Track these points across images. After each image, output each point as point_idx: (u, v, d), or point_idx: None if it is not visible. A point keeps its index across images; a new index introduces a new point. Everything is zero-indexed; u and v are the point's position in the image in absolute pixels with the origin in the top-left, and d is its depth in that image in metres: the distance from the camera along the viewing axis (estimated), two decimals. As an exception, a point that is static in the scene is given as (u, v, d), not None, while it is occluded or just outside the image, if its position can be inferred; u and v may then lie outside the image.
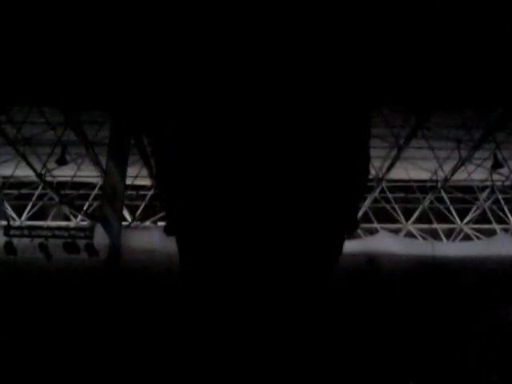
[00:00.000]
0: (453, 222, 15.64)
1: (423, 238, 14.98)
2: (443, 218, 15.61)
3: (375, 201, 15.03)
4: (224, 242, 0.58)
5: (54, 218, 15.37)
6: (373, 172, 13.69)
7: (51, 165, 13.00)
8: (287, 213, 0.56)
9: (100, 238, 11.82)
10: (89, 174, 14.30)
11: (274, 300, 0.59)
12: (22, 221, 15.19)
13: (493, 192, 15.46)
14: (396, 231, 14.99)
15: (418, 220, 15.48)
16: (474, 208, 15.62)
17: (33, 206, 15.42)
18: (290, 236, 0.57)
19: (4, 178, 14.71)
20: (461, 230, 15.56)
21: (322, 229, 0.60)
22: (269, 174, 0.56)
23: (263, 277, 0.58)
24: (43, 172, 13.27)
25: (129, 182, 13.39)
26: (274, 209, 0.56)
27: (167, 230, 0.68)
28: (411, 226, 15.44)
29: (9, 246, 11.98)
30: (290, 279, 0.58)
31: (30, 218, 15.32)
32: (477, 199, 15.55)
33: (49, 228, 12.87)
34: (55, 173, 13.94)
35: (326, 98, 0.59)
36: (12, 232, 12.21)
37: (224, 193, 0.57)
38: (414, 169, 14.09)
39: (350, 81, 0.61)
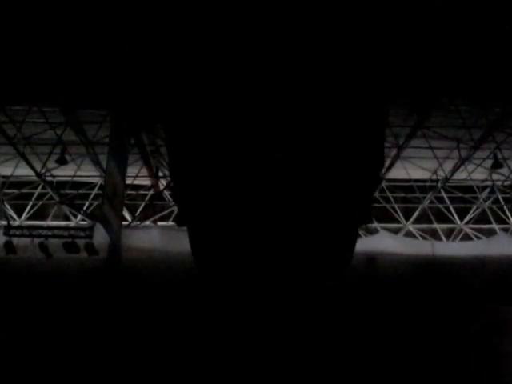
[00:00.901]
0: (453, 222, 15.64)
1: (423, 238, 14.99)
2: (443, 218, 15.61)
3: (375, 200, 15.02)
4: (234, 233, 0.58)
5: (54, 218, 15.37)
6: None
7: (51, 164, 13.00)
8: (298, 205, 0.56)
9: (100, 237, 11.82)
10: (89, 173, 14.29)
11: (281, 294, 0.59)
12: (21, 220, 15.19)
13: (493, 192, 15.45)
14: (396, 231, 14.99)
15: (418, 220, 15.48)
16: (474, 208, 15.62)
17: (33, 206, 15.42)
18: (301, 228, 0.57)
19: (4, 177, 14.70)
20: (461, 230, 15.56)
21: (336, 223, 0.60)
22: (281, 168, 0.56)
23: (273, 272, 0.58)
24: (43, 172, 13.26)
25: (129, 181, 13.39)
26: (286, 202, 0.56)
27: (178, 221, 0.68)
28: (411, 226, 15.44)
29: (9, 246, 11.98)
30: (300, 273, 0.58)
31: (29, 218, 15.32)
32: (477, 199, 15.55)
33: (49, 227, 12.87)
34: (55, 172, 13.93)
35: (335, 96, 0.59)
36: (12, 231, 12.22)
37: (235, 185, 0.57)
38: (413, 168, 14.09)
39: (361, 78, 0.61)
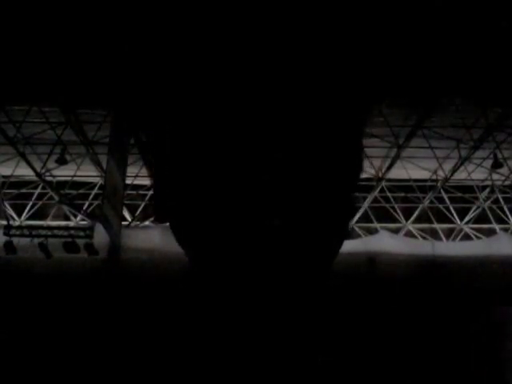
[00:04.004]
0: (453, 222, 15.64)
1: (423, 238, 14.98)
2: (443, 218, 15.60)
3: (375, 200, 15.03)
4: (217, 230, 0.58)
5: (54, 218, 15.37)
6: (373, 172, 13.69)
7: (51, 164, 13.00)
8: (288, 203, 0.56)
9: (100, 237, 11.82)
10: (89, 173, 14.29)
11: (273, 294, 0.58)
12: (21, 220, 15.19)
13: (492, 191, 15.45)
14: (396, 231, 14.98)
15: (418, 220, 15.48)
16: (474, 208, 15.61)
17: (33, 206, 15.42)
18: (287, 226, 0.57)
19: (4, 177, 14.71)
20: (461, 230, 15.56)
21: (325, 219, 0.59)
22: (265, 168, 0.56)
23: (261, 270, 0.58)
24: (43, 171, 13.26)
25: (129, 181, 13.39)
26: (275, 200, 0.56)
27: (157, 217, 0.68)
28: (411, 226, 15.43)
29: (9, 246, 11.98)
30: (290, 272, 0.58)
31: (29, 218, 15.32)
32: (477, 199, 15.54)
33: (49, 227, 12.87)
34: (55, 172, 13.93)
35: (324, 97, 0.59)
36: (12, 231, 12.21)
37: (218, 183, 0.57)
38: (413, 168, 14.08)
39: (347, 79, 0.61)
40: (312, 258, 0.60)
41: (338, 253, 0.65)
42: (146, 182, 14.76)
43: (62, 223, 14.99)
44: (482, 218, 15.64)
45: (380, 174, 13.80)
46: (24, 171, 13.67)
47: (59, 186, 14.55)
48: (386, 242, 13.09)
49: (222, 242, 0.58)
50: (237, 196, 0.56)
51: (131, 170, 13.23)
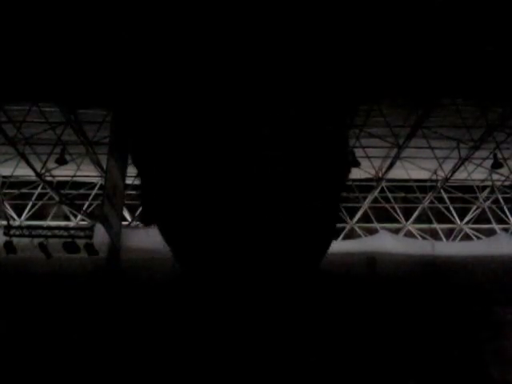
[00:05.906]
0: (453, 222, 15.64)
1: (423, 238, 14.98)
2: (443, 218, 15.60)
3: (375, 200, 15.03)
4: (206, 228, 0.58)
5: (54, 218, 15.36)
6: (373, 172, 13.69)
7: (51, 164, 13.00)
8: (277, 196, 0.56)
9: (100, 237, 11.82)
10: (89, 173, 14.29)
11: (265, 292, 0.58)
12: (21, 220, 15.19)
13: (492, 192, 15.45)
14: (396, 231, 14.98)
15: (418, 220, 15.47)
16: (474, 208, 15.61)
17: (33, 206, 15.42)
18: (278, 221, 0.56)
19: (4, 177, 14.71)
20: (461, 230, 15.56)
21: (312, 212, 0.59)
22: (252, 159, 0.56)
23: (255, 271, 0.57)
24: (43, 171, 13.26)
25: (129, 181, 13.38)
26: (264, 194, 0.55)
27: (144, 220, 0.67)
28: (411, 226, 15.43)
29: (9, 246, 11.98)
30: (282, 270, 0.58)
31: (29, 218, 15.32)
32: (477, 199, 15.54)
33: (49, 227, 12.87)
34: (55, 172, 13.93)
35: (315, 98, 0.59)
36: (12, 231, 12.22)
37: (204, 179, 0.57)
38: (413, 168, 14.08)
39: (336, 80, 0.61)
40: (303, 256, 0.60)
41: (327, 249, 0.64)
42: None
43: (62, 223, 14.99)
44: (481, 218, 15.64)
45: (380, 174, 13.80)
46: (24, 171, 13.67)
47: (59, 186, 14.55)
48: (386, 242, 13.09)
49: (213, 244, 0.58)
50: (226, 195, 0.56)
51: (131, 170, 13.23)
